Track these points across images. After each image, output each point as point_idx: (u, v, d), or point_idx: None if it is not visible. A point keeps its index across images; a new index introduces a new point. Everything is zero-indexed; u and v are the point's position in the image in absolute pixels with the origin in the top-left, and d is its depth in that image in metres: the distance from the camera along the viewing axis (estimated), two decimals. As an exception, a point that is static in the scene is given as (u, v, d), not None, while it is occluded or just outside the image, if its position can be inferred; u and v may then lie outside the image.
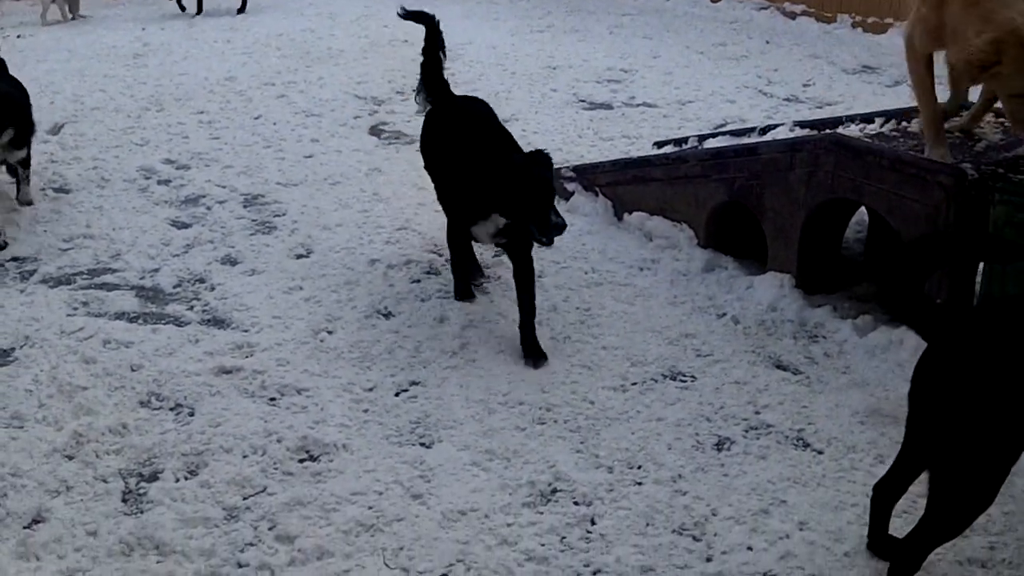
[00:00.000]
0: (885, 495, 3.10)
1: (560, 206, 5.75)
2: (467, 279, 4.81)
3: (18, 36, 11.25)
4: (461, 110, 4.91)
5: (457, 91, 5.19)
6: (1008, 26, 3.88)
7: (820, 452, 3.66)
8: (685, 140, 5.97)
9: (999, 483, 2.74)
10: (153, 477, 3.55)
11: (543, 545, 3.18)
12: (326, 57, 10.00)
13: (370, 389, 4.10)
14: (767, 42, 10.15)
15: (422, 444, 3.74)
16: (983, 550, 3.14)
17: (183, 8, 12.57)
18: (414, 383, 4.14)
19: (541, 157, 4.25)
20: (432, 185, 5.03)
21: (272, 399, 4.05)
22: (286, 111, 8.13)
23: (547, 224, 4.08)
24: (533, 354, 4.25)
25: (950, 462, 2.77)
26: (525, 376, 4.17)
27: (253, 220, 5.91)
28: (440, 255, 5.20)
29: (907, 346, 4.20)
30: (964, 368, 2.73)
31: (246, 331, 4.60)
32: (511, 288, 4.58)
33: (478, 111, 4.88)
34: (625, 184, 5.57)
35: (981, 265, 4.15)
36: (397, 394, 4.07)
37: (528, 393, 4.04)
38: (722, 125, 7.13)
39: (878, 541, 3.11)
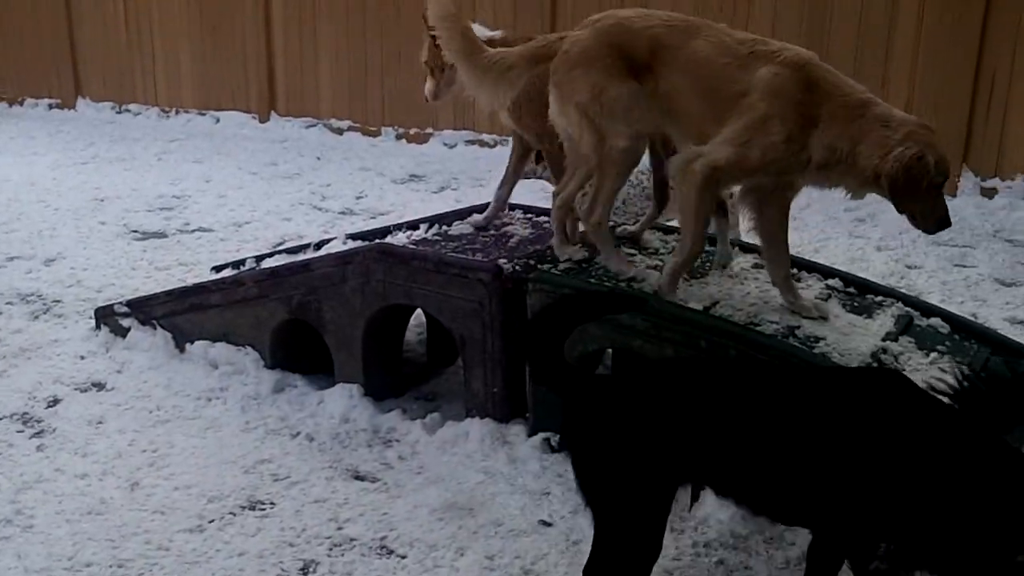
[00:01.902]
0: None
1: (117, 344, 5.52)
2: None
3: None
4: None
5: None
6: None
7: (403, 556, 3.71)
8: (243, 262, 5.91)
9: (658, 533, 2.97)
10: None
11: None
12: None
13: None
14: (318, 158, 10.42)
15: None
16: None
17: None
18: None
19: None
20: None
21: None
22: None
23: None
24: None
25: (604, 516, 2.94)
26: (92, 534, 3.87)
27: None
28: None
29: (473, 437, 4.44)
30: (599, 426, 2.93)
31: None
32: (69, 439, 4.26)
33: None
34: (183, 313, 5.41)
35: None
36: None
37: (96, 552, 3.74)
38: (280, 244, 7.18)
39: None
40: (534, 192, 8.39)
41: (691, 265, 4.30)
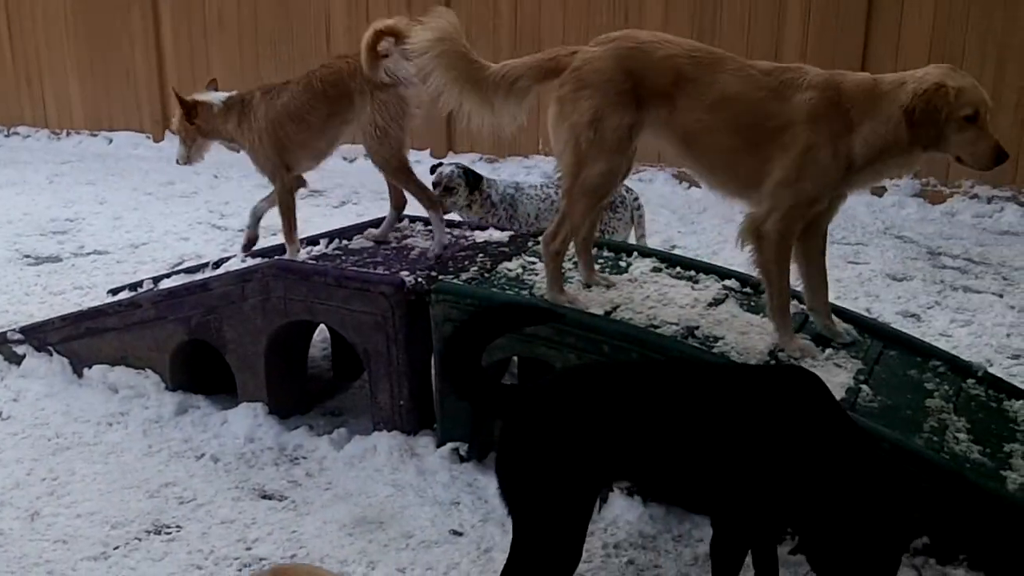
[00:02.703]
0: None
1: (12, 372, 5.37)
2: None
3: None
4: None
5: None
6: None
7: (314, 573, 3.69)
8: (140, 284, 5.81)
9: (581, 539, 3.01)
10: None
11: None
12: None
13: None
14: (215, 176, 10.28)
15: None
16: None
17: None
18: None
19: None
20: None
21: None
22: None
23: None
24: None
25: (528, 525, 2.98)
26: (-10, 567, 3.77)
27: None
28: None
29: (381, 451, 4.43)
30: (524, 436, 2.99)
31: None
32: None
33: None
34: (79, 338, 5.29)
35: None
36: None
37: (-6, 585, 3.65)
38: (179, 264, 7.07)
39: None
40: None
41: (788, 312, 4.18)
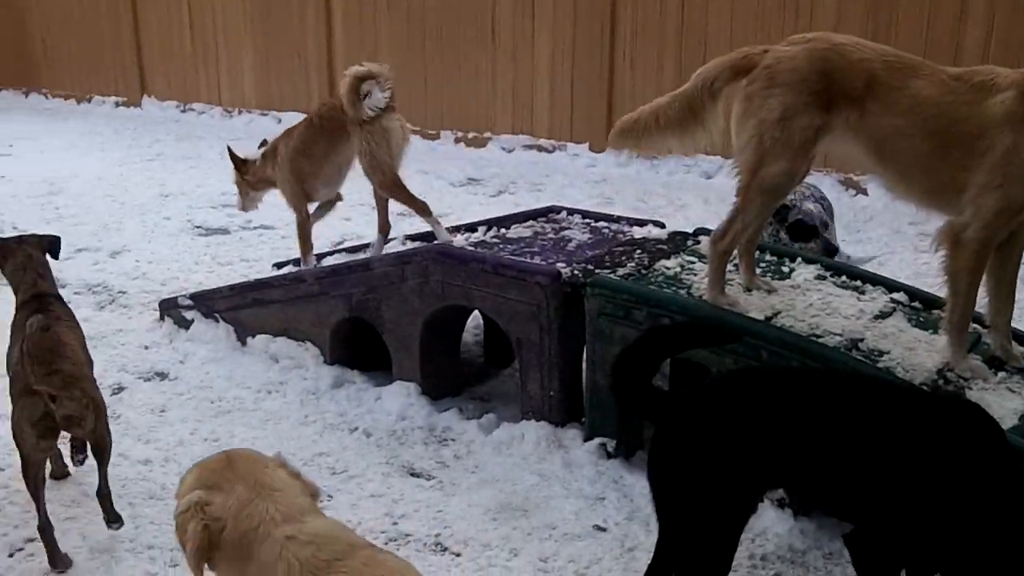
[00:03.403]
0: None
1: (180, 336, 5.63)
2: None
3: None
4: None
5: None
6: None
7: (458, 555, 3.74)
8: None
9: (729, 553, 2.97)
10: None
11: None
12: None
13: (-21, 552, 3.73)
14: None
15: (41, 608, 3.43)
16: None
17: None
18: (29, 540, 3.79)
19: None
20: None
21: None
22: None
23: None
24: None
25: (684, 536, 2.97)
26: (154, 517, 3.95)
27: None
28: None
29: (528, 439, 4.45)
30: (683, 444, 2.95)
31: None
32: (133, 426, 4.34)
33: None
34: (246, 308, 5.50)
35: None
36: (11, 554, 3.74)
37: (156, 536, 3.83)
38: (340, 243, 7.26)
39: None
40: (592, 198, 8.43)
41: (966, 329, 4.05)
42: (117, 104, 13.73)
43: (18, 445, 3.66)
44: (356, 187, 9.18)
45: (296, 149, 5.53)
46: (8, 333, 3.99)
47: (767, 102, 3.97)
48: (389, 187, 5.37)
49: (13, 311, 4.08)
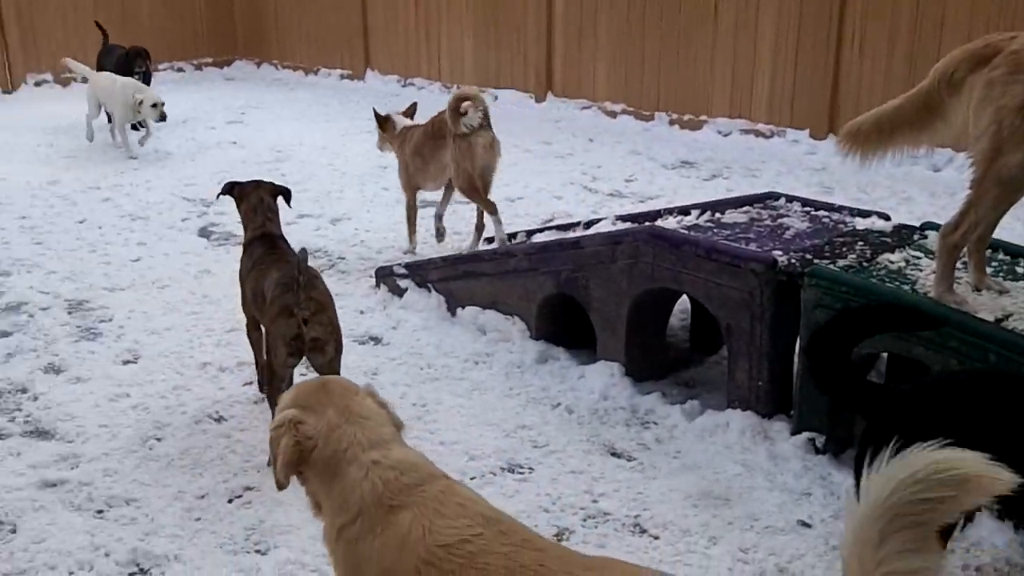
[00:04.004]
0: None
1: (394, 303, 5.82)
2: None
3: None
4: None
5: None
6: None
7: (656, 537, 3.72)
8: (514, 235, 6.12)
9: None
10: (-36, 604, 3.32)
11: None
12: (152, 160, 9.81)
13: (202, 496, 3.98)
14: (590, 140, 10.52)
15: (257, 551, 3.63)
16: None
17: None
18: (248, 488, 4.03)
19: None
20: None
21: (99, 511, 3.87)
22: (112, 214, 7.92)
23: None
24: None
25: None
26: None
27: (78, 326, 5.70)
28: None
29: (733, 429, 4.37)
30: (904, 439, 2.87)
31: (71, 442, 4.41)
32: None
33: None
34: (456, 279, 5.63)
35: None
36: (230, 500, 3.96)
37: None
38: (550, 220, 7.32)
39: None
40: (810, 187, 8.17)
41: None
42: (342, 77, 14.31)
43: (269, 360, 4.22)
44: (566, 167, 9.31)
45: (413, 149, 6.70)
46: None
47: (1009, 88, 3.74)
48: (466, 191, 6.39)
49: (242, 247, 4.60)
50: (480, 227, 6.61)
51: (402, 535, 2.28)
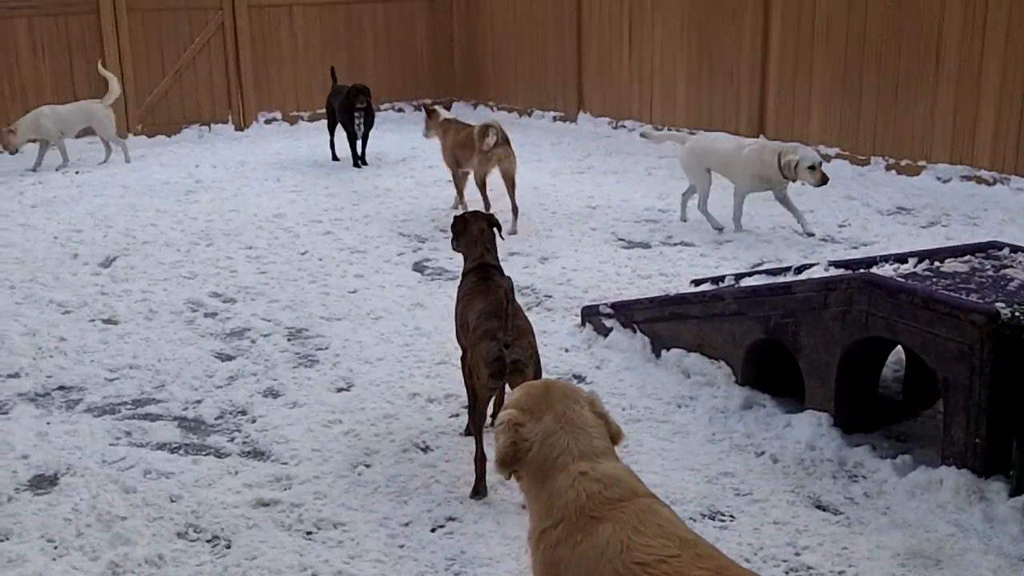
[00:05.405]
0: None
1: (598, 342, 5.87)
2: None
3: (76, 172, 11.68)
4: None
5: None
6: None
7: (863, 595, 3.60)
8: (722, 278, 6.05)
9: None
10: (189, 608, 3.56)
11: None
12: (372, 195, 10.29)
13: (406, 524, 4.12)
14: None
15: (457, 580, 3.73)
16: None
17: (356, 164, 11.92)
18: (450, 519, 4.15)
19: None
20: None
21: (308, 533, 4.07)
22: (332, 247, 8.35)
23: None
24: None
25: None
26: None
27: (296, 353, 6.03)
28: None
29: (947, 487, 4.18)
30: None
31: (285, 463, 4.66)
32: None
33: None
34: (663, 321, 5.63)
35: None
36: (433, 530, 4.08)
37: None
38: (758, 264, 7.22)
39: None
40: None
41: None
42: (555, 119, 14.60)
43: (472, 383, 4.41)
44: (776, 210, 9.15)
45: (454, 143, 9.32)
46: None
47: None
48: (479, 186, 8.92)
49: (461, 275, 4.95)
50: (515, 209, 8.74)
51: (601, 547, 2.37)
